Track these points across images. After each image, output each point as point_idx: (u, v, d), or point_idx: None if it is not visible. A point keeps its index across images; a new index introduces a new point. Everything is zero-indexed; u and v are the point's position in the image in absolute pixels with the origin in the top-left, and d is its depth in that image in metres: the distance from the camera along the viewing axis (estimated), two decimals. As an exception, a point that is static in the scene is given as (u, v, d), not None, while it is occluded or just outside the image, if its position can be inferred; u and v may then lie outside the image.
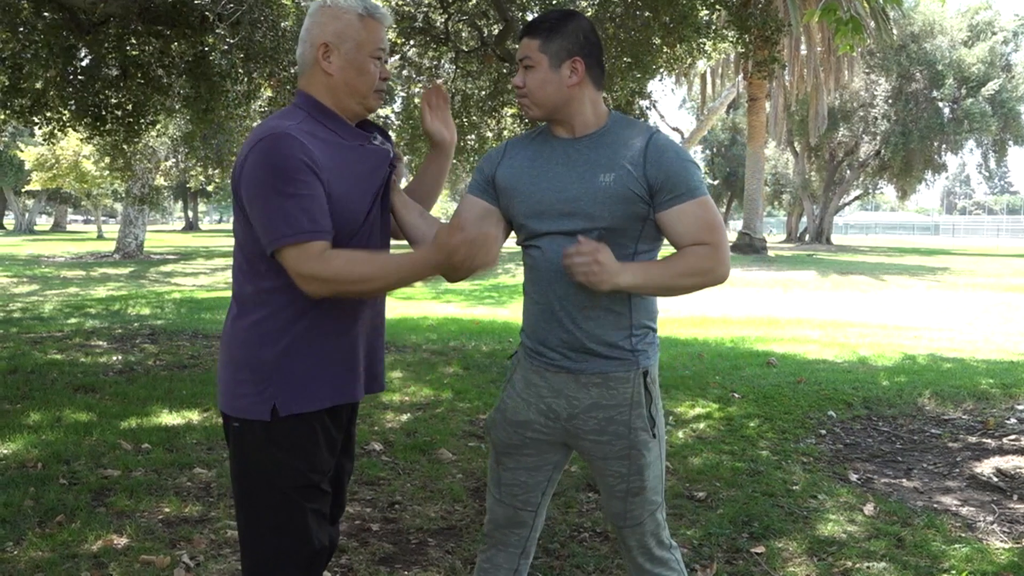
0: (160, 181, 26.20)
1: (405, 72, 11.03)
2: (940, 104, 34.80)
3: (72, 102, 7.75)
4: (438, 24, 9.33)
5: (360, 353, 1.94)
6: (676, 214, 1.90)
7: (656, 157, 1.91)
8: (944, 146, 36.65)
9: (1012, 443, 4.57)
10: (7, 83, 7.38)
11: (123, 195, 26.19)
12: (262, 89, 8.74)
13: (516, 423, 2.06)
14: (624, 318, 1.96)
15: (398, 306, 12.50)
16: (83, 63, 7.93)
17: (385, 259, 1.82)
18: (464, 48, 9.64)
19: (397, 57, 10.28)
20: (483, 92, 9.94)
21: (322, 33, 1.88)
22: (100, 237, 41.15)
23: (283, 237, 1.74)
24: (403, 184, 2.08)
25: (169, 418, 4.98)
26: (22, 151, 27.66)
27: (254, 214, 1.79)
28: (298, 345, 1.84)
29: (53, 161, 24.98)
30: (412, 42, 9.76)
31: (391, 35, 9.17)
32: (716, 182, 48.52)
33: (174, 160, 24.42)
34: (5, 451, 4.25)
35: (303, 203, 1.75)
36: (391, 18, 1.97)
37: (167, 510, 3.51)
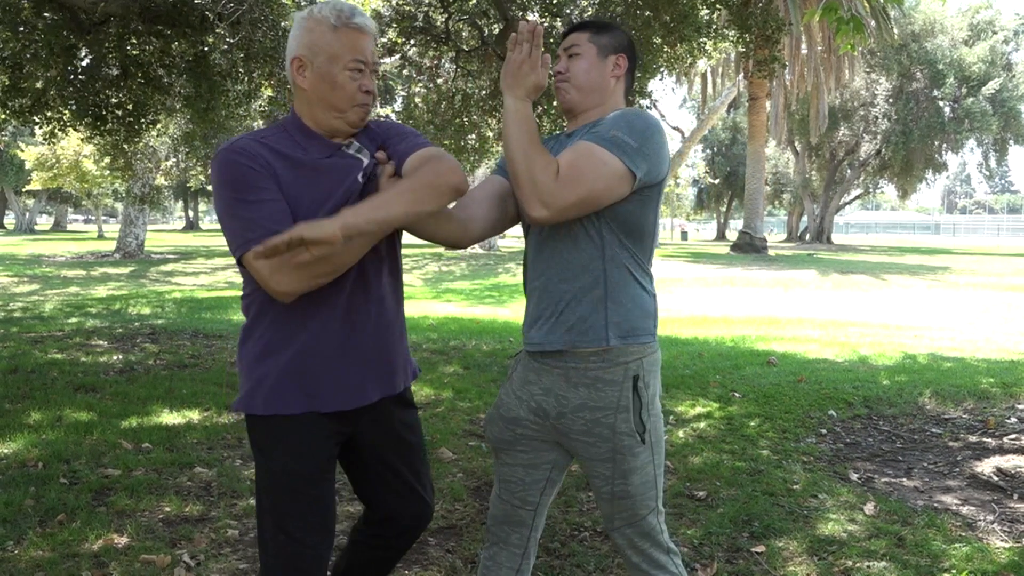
0: (161, 180, 26.22)
1: (406, 72, 11.04)
2: (941, 103, 34.81)
3: (72, 102, 7.76)
4: (438, 23, 9.33)
5: (345, 364, 1.89)
6: (574, 144, 1.89)
7: (610, 115, 1.94)
8: (945, 145, 36.67)
9: (1012, 442, 4.57)
10: (8, 83, 7.38)
11: (124, 195, 26.19)
12: (262, 89, 8.74)
13: (508, 419, 2.07)
14: (600, 313, 1.91)
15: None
16: (83, 63, 7.93)
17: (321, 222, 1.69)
18: (464, 47, 9.64)
19: (397, 56, 10.29)
20: (484, 92, 9.94)
21: (296, 47, 1.84)
22: (101, 237, 41.19)
23: (247, 243, 1.73)
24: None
25: (170, 417, 4.98)
26: (23, 151, 27.67)
27: (223, 227, 1.81)
28: (268, 351, 1.86)
29: (53, 161, 25.00)
30: (412, 41, 9.76)
31: (391, 34, 9.18)
32: (717, 181, 48.54)
33: (175, 160, 24.42)
34: (6, 450, 4.25)
35: (263, 208, 1.74)
36: (374, 27, 1.91)
37: (168, 509, 3.51)
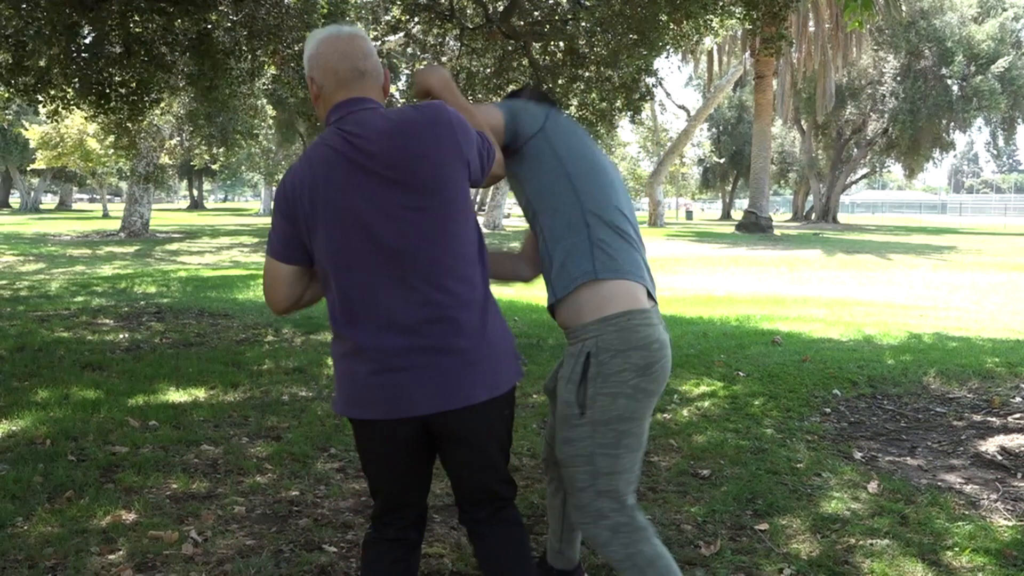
0: (165, 159, 26.18)
1: (409, 50, 10.98)
2: (949, 81, 34.50)
3: (76, 80, 7.73)
4: (443, 1, 9.26)
5: None
6: None
7: None
8: (952, 124, 36.40)
9: (1017, 421, 4.57)
10: (11, 61, 7.37)
11: (128, 173, 26.15)
12: (266, 67, 8.70)
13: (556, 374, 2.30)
14: (550, 269, 2.14)
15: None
16: (86, 40, 7.90)
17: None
18: (469, 25, 9.57)
19: (401, 35, 10.23)
20: (488, 69, 9.89)
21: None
22: (105, 216, 41.19)
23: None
24: None
25: (176, 395, 5.01)
26: (27, 129, 27.64)
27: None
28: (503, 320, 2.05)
29: (58, 139, 24.99)
30: (417, 19, 9.70)
31: (395, 12, 9.13)
32: (722, 160, 48.30)
33: (179, 138, 24.39)
34: (14, 428, 4.28)
35: None
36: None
37: (175, 486, 3.54)
